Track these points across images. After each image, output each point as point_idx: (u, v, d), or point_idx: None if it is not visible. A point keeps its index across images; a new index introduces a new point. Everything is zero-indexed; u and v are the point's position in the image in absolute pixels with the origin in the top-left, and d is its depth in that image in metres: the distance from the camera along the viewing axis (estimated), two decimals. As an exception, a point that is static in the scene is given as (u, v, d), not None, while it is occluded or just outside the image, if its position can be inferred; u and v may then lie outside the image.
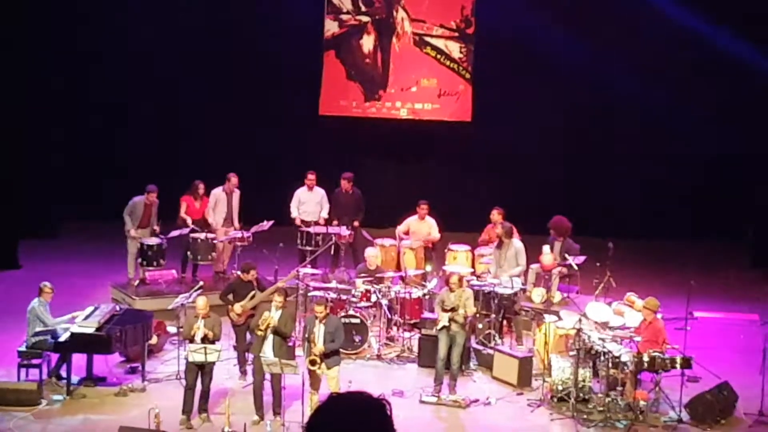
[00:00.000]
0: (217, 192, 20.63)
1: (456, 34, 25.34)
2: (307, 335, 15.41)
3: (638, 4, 24.09)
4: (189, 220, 20.25)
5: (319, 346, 15.22)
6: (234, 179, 20.67)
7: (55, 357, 16.35)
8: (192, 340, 15.38)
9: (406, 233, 20.68)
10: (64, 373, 16.23)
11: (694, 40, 23.83)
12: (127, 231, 19.96)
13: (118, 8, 24.16)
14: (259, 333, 15.28)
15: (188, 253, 20.13)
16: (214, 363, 15.41)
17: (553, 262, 19.36)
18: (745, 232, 24.25)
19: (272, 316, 15.28)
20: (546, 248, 19.49)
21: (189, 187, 20.53)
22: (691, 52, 24.10)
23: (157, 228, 20.15)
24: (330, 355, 15.32)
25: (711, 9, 23.39)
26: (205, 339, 15.35)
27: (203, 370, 15.36)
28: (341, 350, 16.01)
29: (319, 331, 15.30)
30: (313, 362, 15.23)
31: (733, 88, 24.12)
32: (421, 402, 16.28)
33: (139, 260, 19.83)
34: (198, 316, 15.51)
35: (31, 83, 23.21)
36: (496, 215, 20.20)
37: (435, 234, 20.71)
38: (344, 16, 25.33)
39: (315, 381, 15.37)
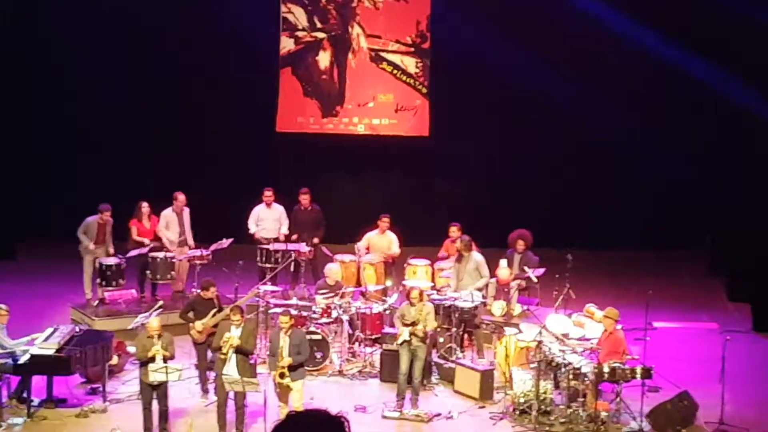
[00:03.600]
0: (167, 213, 20.56)
1: (412, 50, 25.41)
2: (272, 351, 15.39)
3: (586, 18, 24.27)
4: (146, 241, 20.16)
5: (286, 359, 15.22)
6: (181, 197, 20.61)
7: (15, 380, 16.23)
8: (151, 361, 15.29)
9: (367, 249, 20.69)
10: (25, 395, 16.11)
11: (649, 55, 24.10)
12: (84, 248, 19.87)
13: (71, 29, 24.04)
14: (222, 357, 15.25)
15: (147, 272, 20.05)
16: (167, 383, 15.31)
17: (509, 276, 19.43)
18: (702, 241, 24.41)
19: (233, 335, 15.25)
20: (503, 262, 19.56)
21: (134, 210, 20.43)
22: (646, 63, 24.33)
23: (111, 248, 20.04)
24: (296, 368, 15.34)
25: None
26: (164, 359, 15.30)
27: (157, 389, 15.27)
28: (305, 366, 16.00)
29: (285, 343, 15.30)
30: (282, 375, 15.23)
31: (685, 96, 24.41)
32: (384, 417, 16.30)
33: (98, 280, 19.75)
34: (153, 337, 15.43)
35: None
36: (454, 231, 20.28)
37: (395, 249, 20.74)
38: (300, 33, 25.34)
39: (284, 394, 15.39)
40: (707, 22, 22.95)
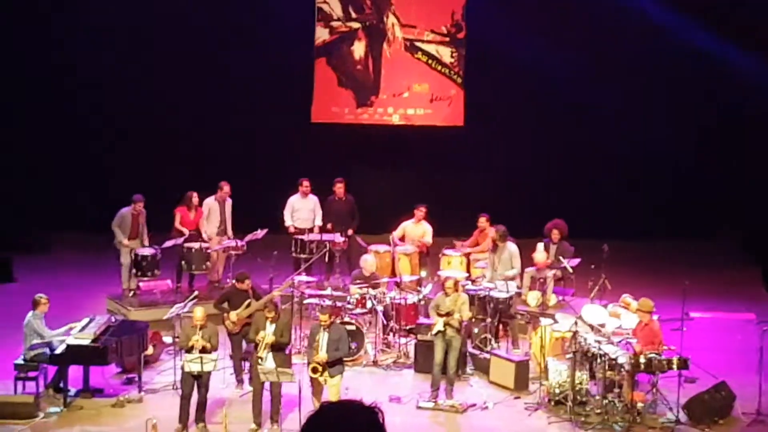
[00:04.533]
0: (210, 201, 20.59)
1: (447, 39, 25.36)
2: (310, 343, 15.40)
3: (625, 11, 24.24)
4: (185, 231, 20.21)
5: (321, 354, 15.21)
6: (226, 187, 20.64)
7: (52, 370, 16.31)
8: (190, 351, 15.35)
9: (402, 238, 20.67)
10: (62, 385, 16.20)
11: (683, 48, 24.07)
12: (119, 242, 19.95)
13: (102, 20, 24.12)
14: (261, 354, 15.26)
15: (183, 262, 20.10)
16: (210, 372, 15.38)
17: (546, 260, 19.36)
18: (739, 231, 24.29)
19: (267, 333, 15.26)
20: (540, 246, 19.49)
21: (182, 198, 20.48)
22: (680, 56, 24.29)
23: (146, 239, 20.11)
24: (334, 364, 15.32)
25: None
26: (203, 350, 15.34)
27: (199, 380, 15.33)
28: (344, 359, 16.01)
29: (323, 339, 15.29)
30: (315, 370, 15.22)
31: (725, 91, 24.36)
32: (418, 408, 16.27)
33: (134, 271, 19.81)
34: (196, 327, 15.48)
35: (18, 100, 23.22)
36: (483, 221, 20.27)
37: (428, 239, 20.71)
38: (335, 23, 25.34)
39: (317, 389, 15.37)
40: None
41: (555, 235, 19.70)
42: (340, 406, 5.57)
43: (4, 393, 16.02)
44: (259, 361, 15.23)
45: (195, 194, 20.43)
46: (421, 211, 20.73)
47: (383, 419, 5.46)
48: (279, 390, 15.19)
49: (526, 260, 19.35)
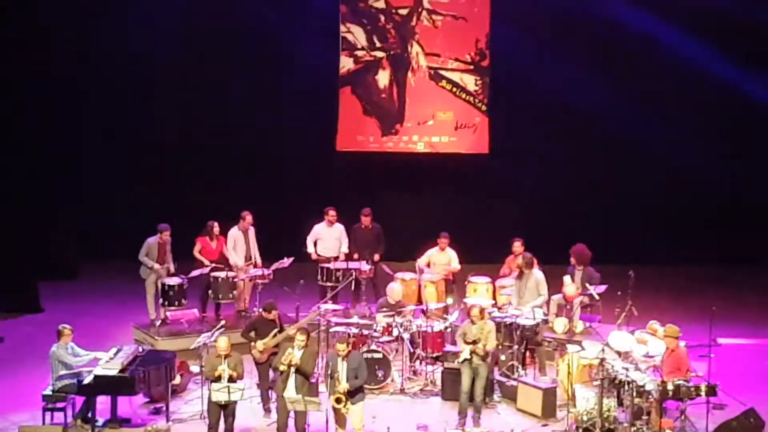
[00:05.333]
0: (234, 232, 20.61)
1: (471, 67, 25.43)
2: (330, 372, 15.36)
3: (651, 39, 24.32)
4: (206, 261, 20.26)
5: (343, 384, 15.18)
6: (248, 217, 20.67)
7: (79, 400, 16.35)
8: (216, 381, 15.37)
9: (428, 265, 20.68)
10: (90, 415, 16.22)
11: (708, 72, 24.12)
12: (145, 272, 20.00)
13: (123, 39, 24.30)
14: (282, 368, 15.26)
15: (209, 291, 20.14)
16: (236, 402, 15.40)
17: (576, 292, 19.31)
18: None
19: (294, 354, 15.26)
20: (567, 279, 19.44)
21: (203, 228, 20.53)
22: (706, 81, 24.33)
23: (172, 267, 20.17)
24: (354, 392, 15.29)
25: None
26: (230, 379, 15.35)
27: (226, 409, 15.34)
28: (364, 385, 15.96)
29: (343, 368, 15.27)
30: (338, 400, 15.19)
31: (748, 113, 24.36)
32: (446, 436, 16.24)
33: (161, 300, 19.87)
34: (221, 357, 15.51)
35: (45, 125, 23.40)
36: (518, 246, 20.23)
37: (455, 265, 20.72)
38: (359, 53, 25.45)
39: (340, 419, 15.33)
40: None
41: (573, 261, 19.66)
42: None
43: (33, 424, 16.05)
44: (284, 385, 15.19)
45: (216, 224, 20.47)
46: (443, 241, 20.74)
47: None
48: (304, 422, 15.16)
49: (552, 288, 19.28)
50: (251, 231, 20.77)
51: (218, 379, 15.34)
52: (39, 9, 23.25)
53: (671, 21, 24.39)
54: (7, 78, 22.45)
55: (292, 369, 15.20)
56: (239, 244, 20.60)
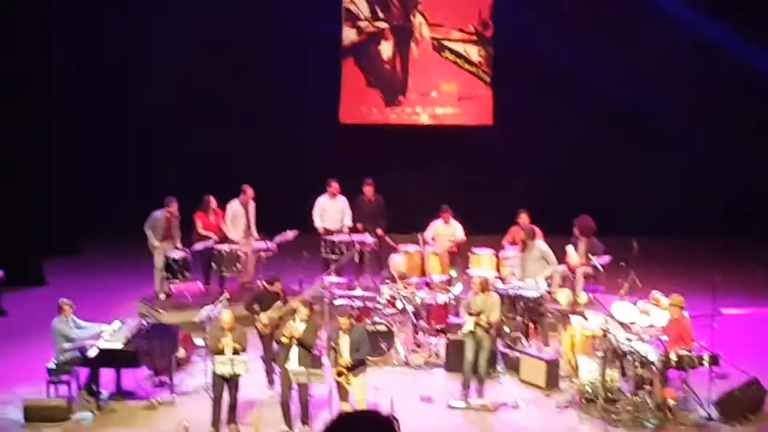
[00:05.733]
0: (234, 205, 20.62)
1: (474, 38, 25.40)
2: (332, 344, 15.39)
3: (656, 8, 24.25)
4: (212, 235, 20.27)
5: (345, 358, 15.20)
6: (249, 191, 20.67)
7: (84, 373, 16.40)
8: (220, 353, 15.40)
9: (433, 239, 20.70)
10: (94, 388, 16.29)
11: (712, 45, 24.11)
12: (151, 245, 20.03)
13: (130, 18, 24.25)
14: (284, 340, 15.28)
15: (212, 264, 20.17)
16: (240, 375, 15.43)
17: (578, 262, 19.31)
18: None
19: (296, 326, 15.29)
20: (570, 248, 19.44)
21: (200, 203, 20.53)
22: (710, 54, 24.30)
23: (178, 242, 20.16)
24: (356, 365, 15.31)
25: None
26: (234, 352, 15.38)
27: (229, 381, 15.38)
28: (368, 357, 15.99)
29: (344, 342, 15.29)
30: (339, 373, 15.22)
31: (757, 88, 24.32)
32: (450, 407, 16.26)
33: (164, 274, 19.89)
34: (224, 330, 15.54)
35: (54, 103, 23.38)
36: (524, 218, 20.24)
37: (460, 235, 20.74)
38: (362, 23, 25.40)
39: (343, 392, 15.36)
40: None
41: (576, 232, 19.67)
42: (357, 416, 5.65)
43: (37, 397, 16.11)
44: (285, 357, 15.22)
45: (212, 197, 20.47)
46: (446, 214, 20.76)
47: (399, 429, 5.53)
48: (306, 395, 15.21)
49: (560, 259, 19.28)
50: (251, 205, 20.76)
51: (221, 352, 15.37)
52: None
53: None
54: (6, 53, 22.38)
55: (294, 341, 15.22)
56: (238, 217, 20.59)
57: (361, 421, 5.57)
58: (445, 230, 20.79)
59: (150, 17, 24.27)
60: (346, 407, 15.16)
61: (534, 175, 24.88)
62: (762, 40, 23.78)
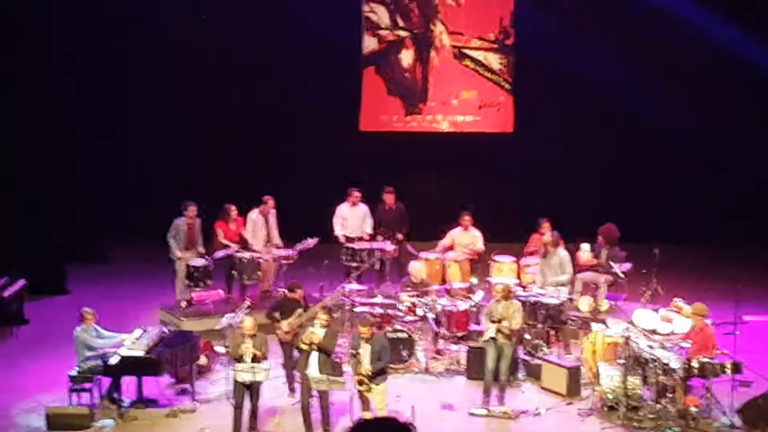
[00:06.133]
0: (254, 215, 20.63)
1: (495, 46, 25.40)
2: (353, 351, 15.39)
3: (678, 18, 24.22)
4: (232, 245, 20.30)
5: (365, 367, 15.18)
6: (270, 201, 20.70)
7: (106, 381, 16.44)
8: (240, 360, 15.42)
9: (451, 247, 20.68)
10: (116, 396, 16.33)
11: (742, 60, 24.03)
12: (174, 255, 20.06)
13: (145, 26, 24.35)
14: (303, 347, 15.30)
15: (233, 272, 20.20)
16: (261, 382, 15.44)
17: (589, 260, 19.24)
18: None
19: (316, 332, 15.29)
20: (585, 245, 19.37)
21: (221, 212, 20.56)
22: (728, 61, 24.24)
23: (202, 249, 20.19)
24: (377, 374, 15.30)
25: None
26: (254, 359, 15.40)
27: (251, 389, 15.39)
28: (389, 365, 15.98)
29: (366, 351, 15.27)
30: (360, 382, 15.21)
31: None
32: (471, 414, 16.25)
33: (186, 281, 19.93)
34: (245, 336, 15.55)
35: (80, 115, 23.50)
36: (546, 227, 20.21)
37: (479, 245, 20.71)
38: (382, 32, 25.43)
39: (365, 401, 15.36)
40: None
41: (600, 240, 19.63)
42: (376, 423, 5.66)
43: (59, 405, 16.16)
44: (305, 363, 15.22)
45: (233, 207, 20.50)
46: (466, 220, 20.74)
47: None
48: (327, 401, 15.21)
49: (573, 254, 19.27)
50: (272, 215, 20.79)
51: (242, 358, 15.38)
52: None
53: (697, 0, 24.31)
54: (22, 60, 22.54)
55: (314, 347, 15.23)
56: (258, 227, 20.62)
57: (379, 428, 5.58)
58: (464, 238, 20.75)
59: (173, 32, 24.28)
60: (368, 416, 15.16)
61: (555, 183, 24.84)
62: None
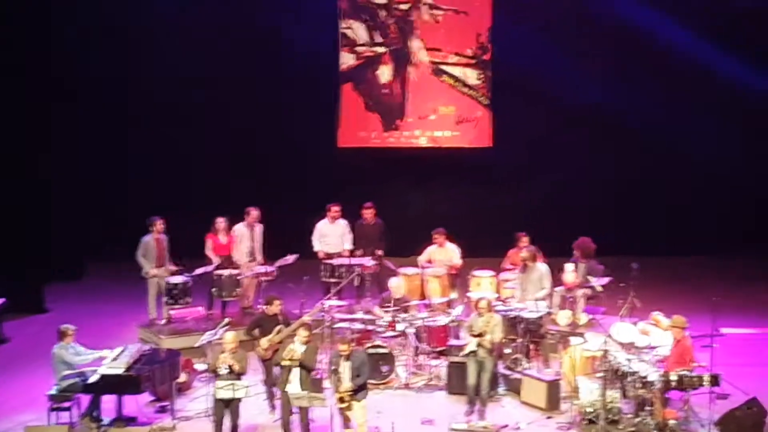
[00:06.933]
0: (240, 228, 20.69)
1: (473, 61, 25.48)
2: (333, 368, 15.39)
3: (653, 30, 24.37)
4: (215, 259, 20.33)
5: (345, 385, 15.19)
6: (254, 212, 20.72)
7: (85, 399, 16.41)
8: (217, 373, 15.42)
9: (429, 262, 20.71)
10: (95, 414, 16.29)
11: (712, 68, 24.21)
12: (145, 273, 20.05)
13: (126, 54, 24.40)
14: (284, 363, 15.30)
15: (214, 289, 20.21)
16: (240, 399, 15.42)
17: (575, 280, 19.32)
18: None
19: (296, 349, 15.30)
20: (568, 266, 19.45)
21: (211, 225, 20.60)
22: (712, 78, 24.38)
23: (173, 267, 20.18)
24: (357, 390, 15.30)
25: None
26: (231, 372, 15.38)
27: (230, 406, 15.38)
28: (369, 381, 15.98)
29: (345, 368, 15.28)
30: (341, 400, 15.22)
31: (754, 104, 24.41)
32: (451, 430, 16.23)
33: (165, 299, 19.92)
34: (225, 351, 15.55)
35: (45, 124, 23.48)
36: (524, 241, 20.26)
37: (457, 260, 20.74)
38: (360, 48, 25.50)
39: (345, 418, 15.37)
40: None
41: (576, 254, 19.70)
42: None
43: (39, 424, 16.11)
44: (286, 380, 15.22)
45: (223, 219, 20.53)
46: (438, 238, 20.76)
47: None
48: (306, 418, 15.21)
49: (556, 280, 19.32)
50: (258, 227, 20.81)
51: (221, 373, 15.36)
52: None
53: (672, 12, 24.42)
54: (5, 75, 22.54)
55: (295, 363, 15.23)
56: (244, 240, 20.65)
57: None
58: (441, 254, 20.77)
59: (147, 50, 24.34)
60: (349, 433, 15.23)
61: (533, 197, 24.93)
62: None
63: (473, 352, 16.61)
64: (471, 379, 16.59)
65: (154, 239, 20.07)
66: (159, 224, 20.09)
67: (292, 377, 15.25)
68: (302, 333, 15.48)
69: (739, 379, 16.97)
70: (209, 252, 20.45)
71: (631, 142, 25.01)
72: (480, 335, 16.55)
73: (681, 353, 16.09)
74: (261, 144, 25.02)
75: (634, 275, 18.84)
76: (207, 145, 24.83)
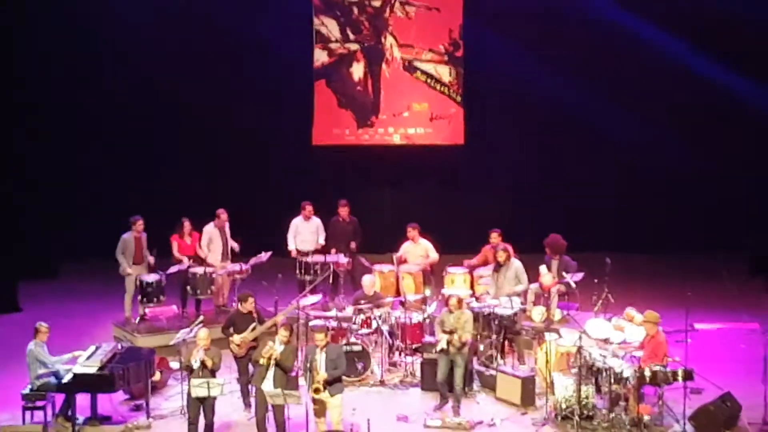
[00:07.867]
0: (210, 229, 20.65)
1: (445, 58, 25.49)
2: (308, 364, 15.38)
3: (623, 31, 24.45)
4: (185, 259, 20.30)
5: (321, 374, 15.20)
6: (223, 215, 20.71)
7: (59, 398, 16.35)
8: (191, 369, 15.39)
9: (404, 260, 20.72)
10: (70, 413, 16.23)
11: (683, 69, 24.32)
12: (124, 271, 20.01)
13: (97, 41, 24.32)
14: (262, 361, 15.27)
15: (188, 288, 20.18)
16: (215, 397, 15.40)
17: (553, 281, 19.37)
18: (744, 242, 24.38)
19: (275, 348, 15.28)
20: (543, 268, 19.50)
21: (176, 225, 20.55)
22: (684, 79, 24.48)
23: (151, 260, 20.19)
24: (333, 383, 15.30)
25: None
26: (204, 368, 15.35)
27: (204, 404, 15.35)
28: (344, 378, 16.00)
29: (321, 359, 15.29)
30: (317, 390, 15.22)
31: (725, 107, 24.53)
32: (426, 426, 16.27)
33: (139, 297, 19.88)
34: (198, 348, 15.52)
35: (26, 125, 23.40)
36: (495, 237, 20.28)
37: (433, 255, 20.77)
38: (333, 45, 25.47)
39: (320, 408, 15.36)
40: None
41: (548, 251, 19.74)
42: None
43: (13, 423, 16.06)
44: (261, 378, 15.21)
45: (187, 220, 20.50)
46: (411, 232, 20.77)
47: None
48: (282, 416, 15.18)
49: (530, 278, 19.35)
50: (227, 228, 20.80)
51: (194, 370, 15.34)
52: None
53: (645, 14, 24.48)
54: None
55: (272, 362, 15.22)
56: (215, 241, 20.62)
57: None
58: (416, 249, 20.79)
59: (122, 52, 24.33)
60: (322, 425, 15.21)
61: (506, 194, 25.00)
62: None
63: (444, 349, 16.63)
64: (440, 375, 16.67)
65: (133, 237, 20.03)
66: (139, 223, 20.08)
67: (269, 375, 15.22)
68: (282, 333, 15.44)
69: (713, 373, 17.06)
70: (176, 253, 20.40)
71: (603, 140, 25.05)
72: (451, 332, 16.57)
73: (654, 348, 16.15)
74: (235, 142, 24.97)
75: (607, 271, 18.90)
76: (181, 143, 24.76)
